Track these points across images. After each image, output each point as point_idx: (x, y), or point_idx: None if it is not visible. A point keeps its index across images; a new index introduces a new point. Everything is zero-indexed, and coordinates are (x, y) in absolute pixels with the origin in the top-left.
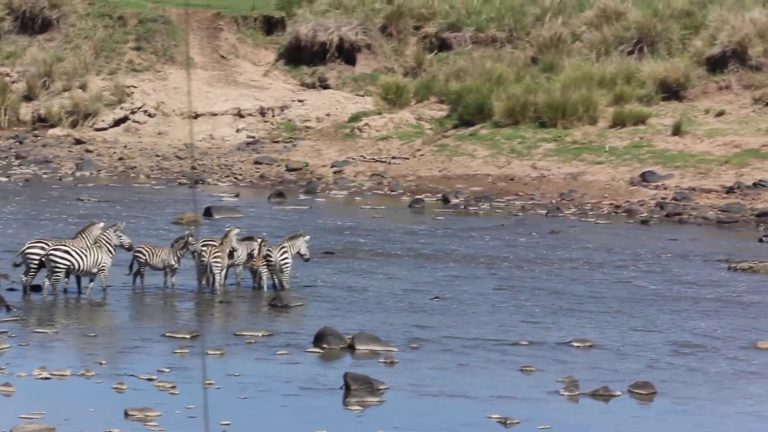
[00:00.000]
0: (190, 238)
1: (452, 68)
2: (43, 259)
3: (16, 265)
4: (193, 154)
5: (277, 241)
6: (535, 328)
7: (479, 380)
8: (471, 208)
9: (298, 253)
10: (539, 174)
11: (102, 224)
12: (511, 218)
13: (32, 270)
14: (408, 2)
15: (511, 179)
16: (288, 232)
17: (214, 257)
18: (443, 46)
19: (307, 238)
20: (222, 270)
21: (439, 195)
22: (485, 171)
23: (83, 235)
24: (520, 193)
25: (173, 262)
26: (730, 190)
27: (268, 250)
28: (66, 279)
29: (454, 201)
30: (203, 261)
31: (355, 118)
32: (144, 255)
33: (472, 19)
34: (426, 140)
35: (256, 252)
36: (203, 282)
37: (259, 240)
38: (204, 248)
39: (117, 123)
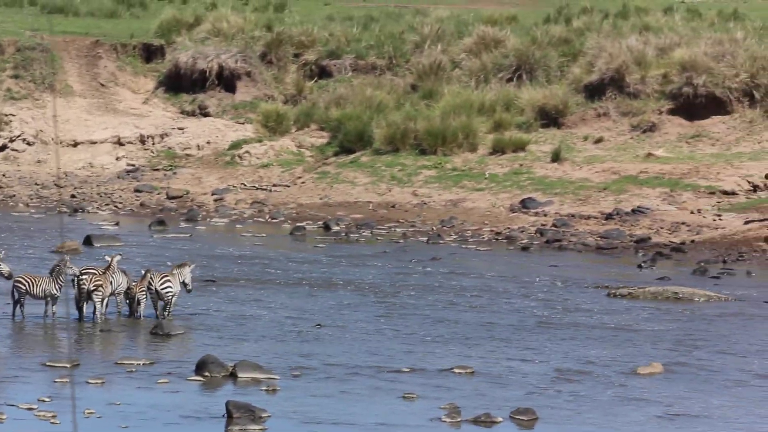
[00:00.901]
0: (67, 265)
1: (332, 95)
2: None
3: None
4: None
5: (161, 270)
6: (417, 355)
7: (361, 407)
8: (352, 235)
9: (183, 282)
10: (420, 201)
11: None
12: (393, 245)
13: None
14: (287, 30)
15: (392, 206)
16: (169, 260)
17: (95, 285)
18: (323, 73)
19: (193, 267)
20: (103, 299)
21: (320, 222)
22: (366, 198)
23: None
24: (401, 220)
25: (54, 291)
26: (609, 217)
27: (151, 278)
28: None
29: (336, 228)
30: (82, 288)
31: (235, 145)
32: (24, 284)
33: (352, 47)
34: (307, 168)
35: (139, 280)
36: (83, 310)
37: (144, 270)
38: (86, 276)
39: None
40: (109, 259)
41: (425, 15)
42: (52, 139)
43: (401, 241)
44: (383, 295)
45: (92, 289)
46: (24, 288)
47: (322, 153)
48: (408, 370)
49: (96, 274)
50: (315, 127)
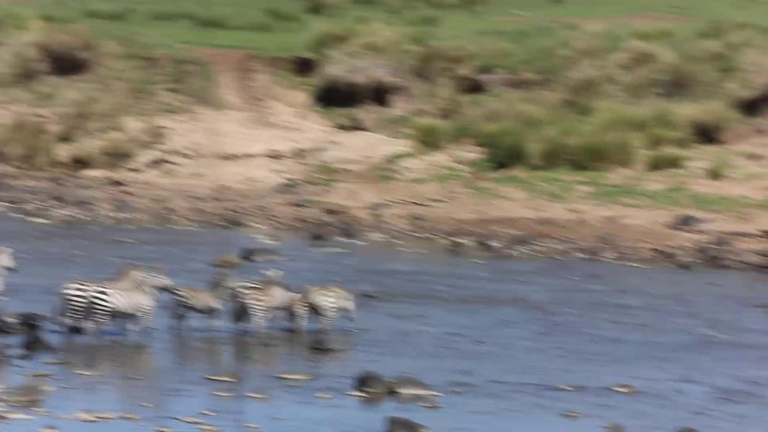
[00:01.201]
0: (226, 279)
1: (486, 110)
2: (86, 301)
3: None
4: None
5: (321, 285)
6: (579, 373)
7: (522, 425)
8: (510, 251)
9: (342, 308)
10: (577, 217)
11: (142, 266)
12: (551, 262)
13: (75, 312)
14: (439, 44)
15: (549, 222)
16: (328, 275)
17: (254, 299)
18: (476, 88)
19: (349, 294)
20: (263, 312)
21: (477, 238)
22: (522, 214)
23: (123, 277)
24: (559, 237)
25: (215, 305)
26: None
27: (310, 294)
28: (108, 321)
29: (493, 244)
30: (242, 303)
31: (390, 160)
32: (185, 297)
33: (504, 62)
34: (462, 182)
35: (299, 295)
36: (243, 324)
37: (303, 285)
38: (246, 290)
39: (153, 164)
40: (270, 274)
41: (577, 29)
42: (209, 152)
43: (559, 257)
44: (544, 312)
45: (251, 303)
46: (185, 301)
47: (476, 168)
48: (570, 388)
49: (255, 288)
50: (469, 142)
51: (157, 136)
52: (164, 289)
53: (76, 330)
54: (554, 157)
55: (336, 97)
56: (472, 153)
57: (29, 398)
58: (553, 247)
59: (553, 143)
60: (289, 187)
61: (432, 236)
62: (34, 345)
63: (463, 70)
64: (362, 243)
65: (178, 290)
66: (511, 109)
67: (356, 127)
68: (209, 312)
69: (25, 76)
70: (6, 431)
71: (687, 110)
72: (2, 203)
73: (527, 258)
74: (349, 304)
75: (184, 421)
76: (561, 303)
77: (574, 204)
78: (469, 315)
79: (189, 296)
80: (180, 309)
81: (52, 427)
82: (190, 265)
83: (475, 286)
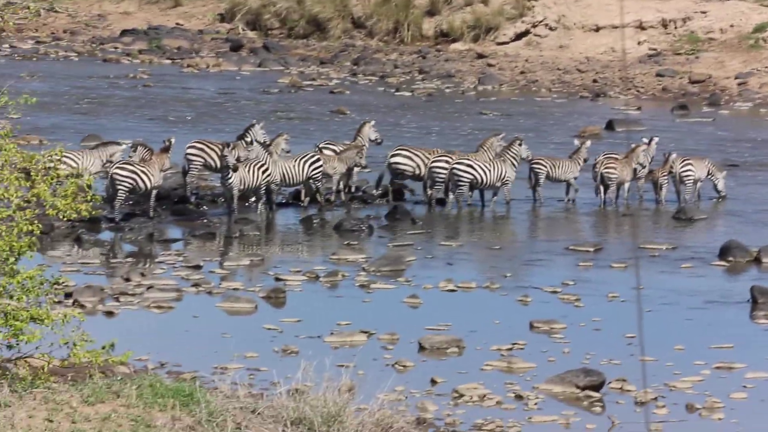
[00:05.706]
0: (584, 150)
1: None
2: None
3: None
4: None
5: (683, 154)
6: None
7: None
8: None
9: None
10: None
11: (502, 136)
12: None
13: (437, 184)
14: None
15: None
16: (691, 145)
17: (607, 168)
18: None
19: (724, 173)
20: (620, 183)
21: None
22: None
23: (485, 148)
24: None
25: (575, 174)
26: None
27: (672, 163)
28: (470, 192)
29: None
30: (601, 173)
31: (760, 28)
32: (545, 167)
33: None
34: None
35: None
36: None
37: (666, 153)
38: (604, 161)
39: (518, 37)
40: (634, 145)
41: None
42: (575, 23)
43: None
44: None
45: (605, 172)
46: (545, 171)
47: None
48: None
49: (612, 158)
50: None
51: (522, 8)
52: (525, 159)
53: (440, 202)
54: None
55: None
56: None
57: (392, 268)
58: None
59: None
60: (653, 57)
61: None
62: (398, 216)
63: None
64: (726, 112)
65: (538, 161)
66: None
67: None
68: (569, 181)
69: None
70: (370, 299)
71: None
72: (368, 77)
73: None
74: (713, 174)
75: (545, 291)
76: None
77: None
78: None
79: (549, 165)
80: (538, 178)
81: (414, 297)
82: (552, 136)
83: None
